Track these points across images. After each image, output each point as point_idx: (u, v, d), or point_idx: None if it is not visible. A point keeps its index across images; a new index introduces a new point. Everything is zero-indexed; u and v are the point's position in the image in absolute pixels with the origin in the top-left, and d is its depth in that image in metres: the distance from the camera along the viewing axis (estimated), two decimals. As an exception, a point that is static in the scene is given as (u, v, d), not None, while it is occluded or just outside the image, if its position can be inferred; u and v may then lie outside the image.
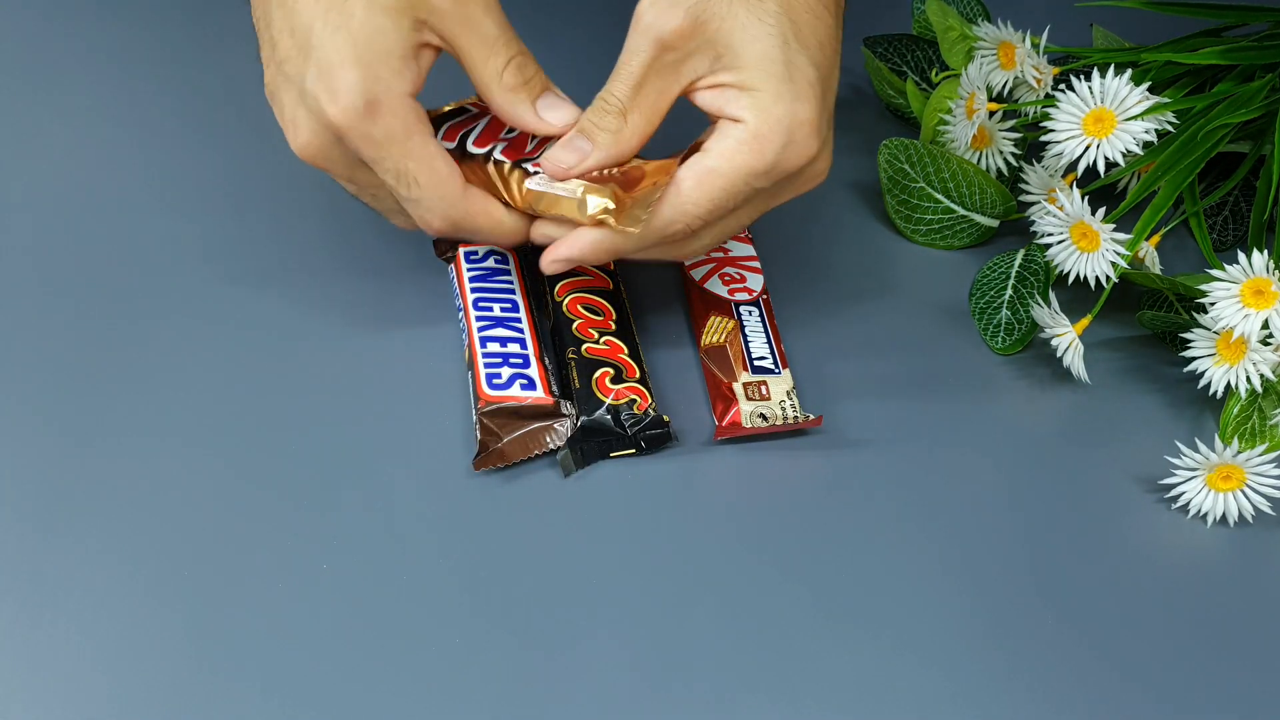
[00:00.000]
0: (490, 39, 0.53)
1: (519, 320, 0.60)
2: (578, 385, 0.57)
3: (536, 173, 0.55)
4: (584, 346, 0.59)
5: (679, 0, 0.52)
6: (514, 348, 0.59)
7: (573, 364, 0.58)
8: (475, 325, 0.59)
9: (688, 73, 0.53)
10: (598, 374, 0.58)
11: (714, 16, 0.52)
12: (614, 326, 0.60)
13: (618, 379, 0.58)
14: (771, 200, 0.56)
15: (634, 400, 0.57)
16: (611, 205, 0.53)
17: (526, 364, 0.58)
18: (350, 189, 0.56)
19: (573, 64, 0.64)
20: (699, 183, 0.53)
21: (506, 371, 0.58)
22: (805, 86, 0.53)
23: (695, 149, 0.54)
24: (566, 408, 0.57)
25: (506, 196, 0.55)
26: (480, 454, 0.56)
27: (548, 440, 0.57)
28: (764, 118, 0.52)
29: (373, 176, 0.54)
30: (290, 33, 0.52)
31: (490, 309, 0.60)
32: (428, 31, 0.52)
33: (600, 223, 0.53)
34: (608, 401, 0.57)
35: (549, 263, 0.55)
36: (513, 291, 0.61)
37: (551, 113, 0.54)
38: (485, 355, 0.58)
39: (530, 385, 0.57)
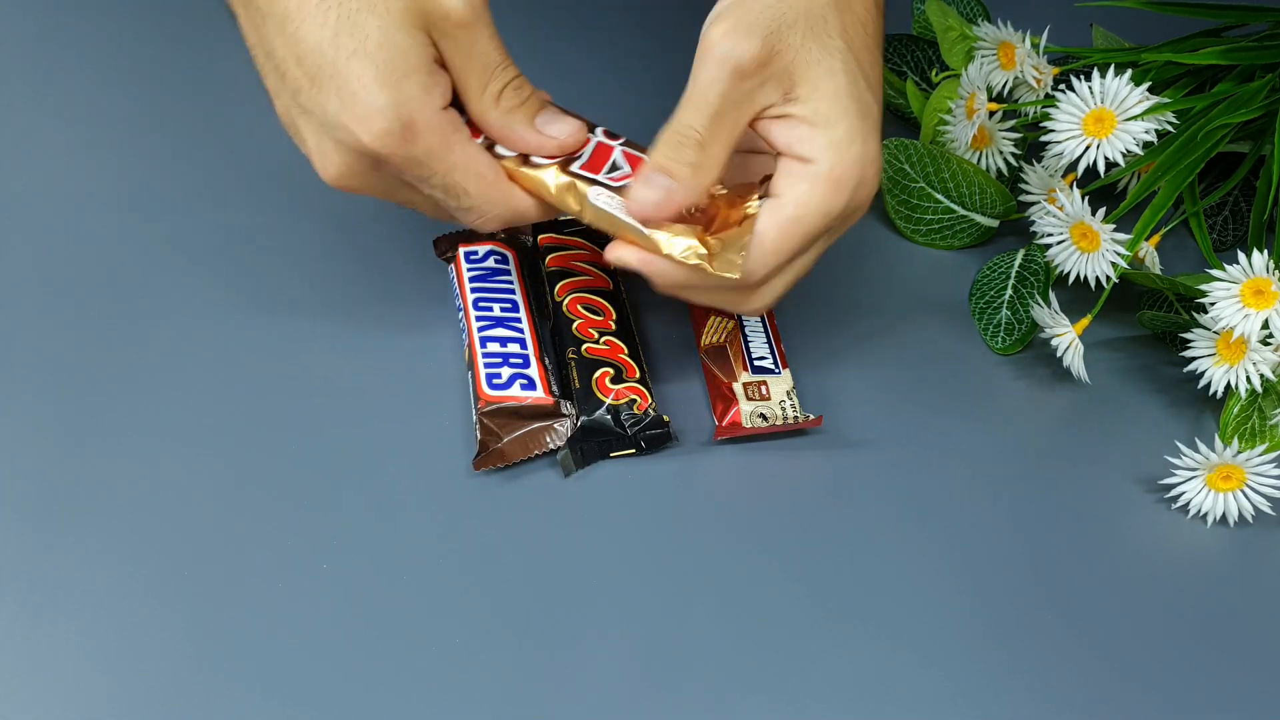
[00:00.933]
0: (490, 65, 0.51)
1: (519, 320, 0.60)
2: (578, 385, 0.57)
3: (593, 181, 0.53)
4: (584, 346, 0.59)
5: (754, 28, 0.50)
6: (514, 348, 0.59)
7: (573, 364, 0.58)
8: (475, 325, 0.59)
9: (760, 101, 0.51)
10: (598, 374, 0.58)
11: (788, 47, 0.51)
12: (614, 326, 0.60)
13: (618, 379, 0.58)
14: (831, 239, 0.55)
15: (634, 400, 0.57)
16: (702, 250, 0.51)
17: (526, 364, 0.58)
18: (393, 202, 0.55)
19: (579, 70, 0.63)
20: (782, 233, 0.52)
21: (506, 371, 0.58)
22: (873, 124, 0.52)
23: (766, 181, 0.53)
24: (566, 408, 0.57)
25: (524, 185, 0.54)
26: (480, 454, 0.56)
27: (548, 440, 0.57)
28: (839, 158, 0.51)
29: (416, 193, 0.53)
30: (298, 61, 0.49)
31: (490, 309, 0.60)
32: (437, 51, 0.51)
33: (694, 266, 0.51)
34: (608, 401, 0.57)
35: (615, 256, 0.53)
36: (513, 291, 0.61)
37: (552, 126, 0.53)
38: (485, 355, 0.58)
39: (530, 385, 0.57)
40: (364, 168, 0.51)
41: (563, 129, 0.53)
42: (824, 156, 0.51)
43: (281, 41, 0.49)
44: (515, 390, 0.57)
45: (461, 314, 0.60)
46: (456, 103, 0.52)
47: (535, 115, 0.53)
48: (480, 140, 0.53)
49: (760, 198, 0.53)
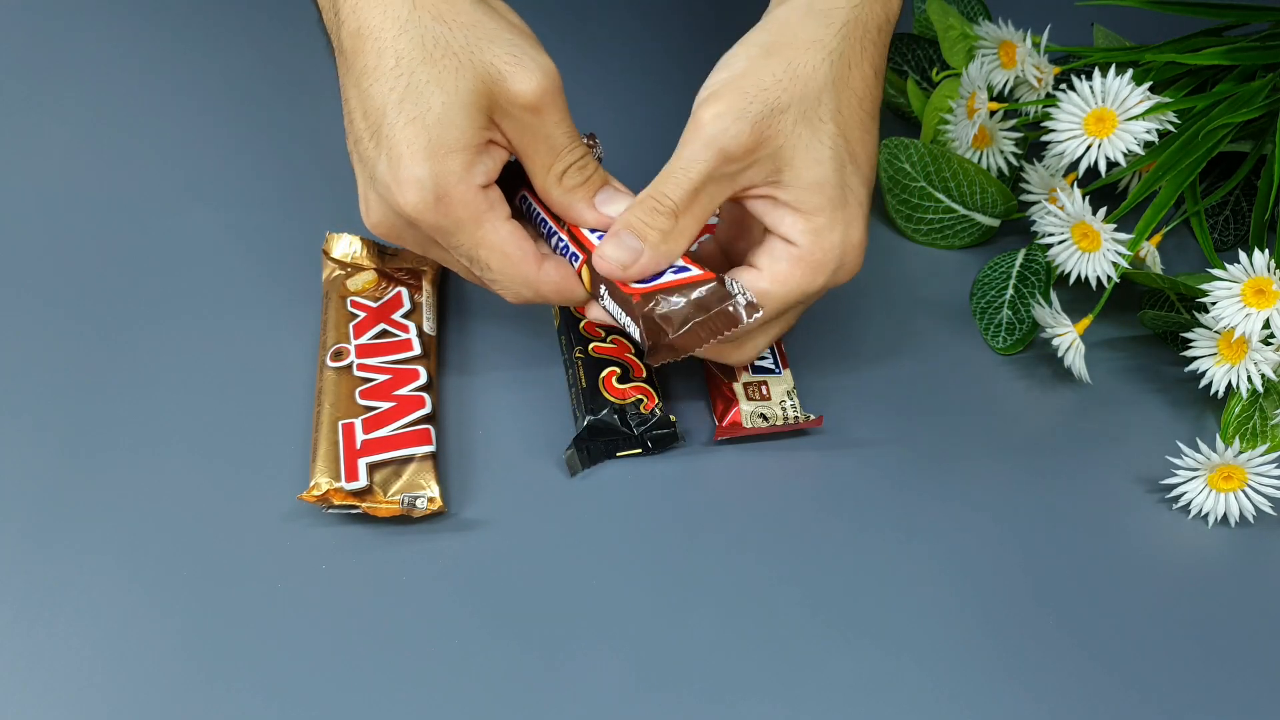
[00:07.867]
0: (556, 146, 0.53)
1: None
2: (584, 384, 0.57)
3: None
4: (591, 345, 0.59)
5: (746, 113, 0.51)
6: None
7: (580, 363, 0.58)
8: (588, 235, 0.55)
9: (743, 181, 0.53)
10: (605, 373, 0.58)
11: (778, 133, 0.52)
12: (619, 325, 0.60)
13: (624, 378, 0.58)
14: (810, 302, 0.56)
15: (641, 400, 0.57)
16: None
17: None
18: (428, 258, 0.57)
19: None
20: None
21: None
22: (856, 208, 0.53)
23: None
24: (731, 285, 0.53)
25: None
26: (650, 348, 0.52)
27: (733, 311, 0.52)
28: (818, 243, 0.53)
29: (448, 255, 0.55)
30: (364, 115, 0.52)
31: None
32: (498, 132, 0.52)
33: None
34: (614, 401, 0.57)
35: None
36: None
37: (609, 206, 0.54)
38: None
39: (681, 269, 0.53)
40: (400, 224, 0.53)
41: (618, 210, 0.54)
42: (804, 240, 0.53)
43: (355, 93, 0.52)
44: (668, 276, 0.53)
45: (555, 237, 0.56)
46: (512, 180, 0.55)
47: (595, 194, 0.54)
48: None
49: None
